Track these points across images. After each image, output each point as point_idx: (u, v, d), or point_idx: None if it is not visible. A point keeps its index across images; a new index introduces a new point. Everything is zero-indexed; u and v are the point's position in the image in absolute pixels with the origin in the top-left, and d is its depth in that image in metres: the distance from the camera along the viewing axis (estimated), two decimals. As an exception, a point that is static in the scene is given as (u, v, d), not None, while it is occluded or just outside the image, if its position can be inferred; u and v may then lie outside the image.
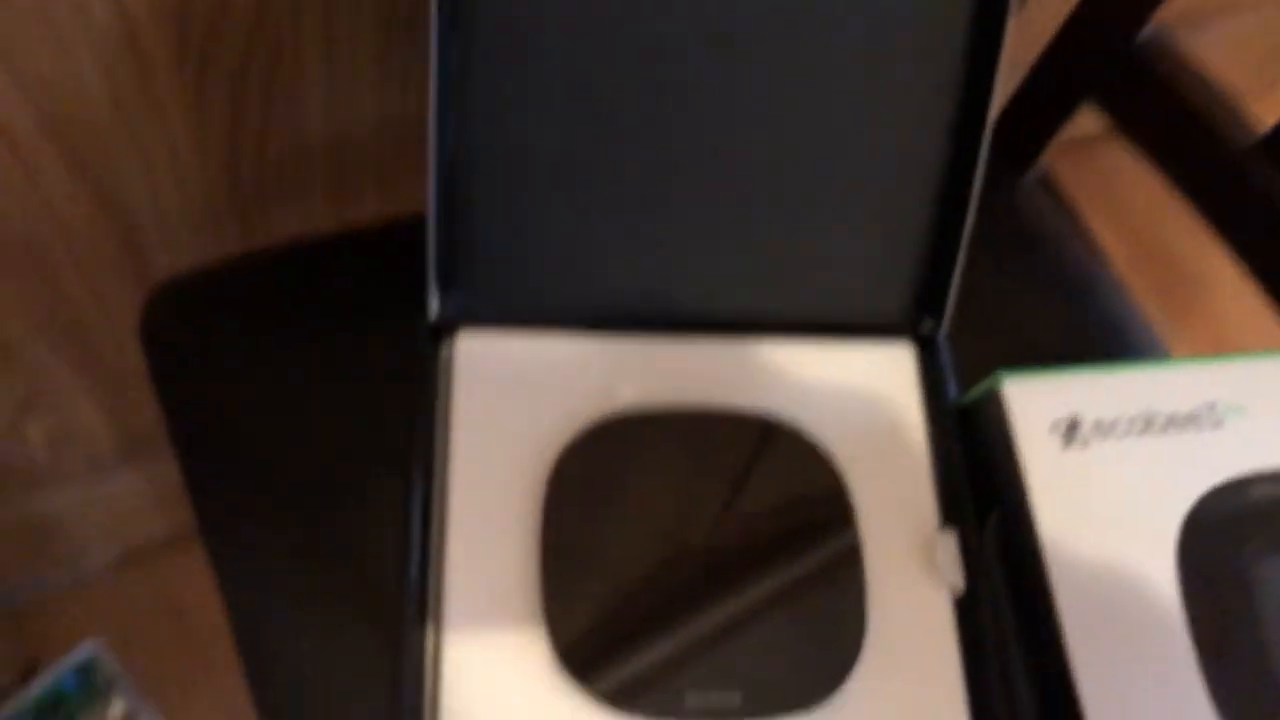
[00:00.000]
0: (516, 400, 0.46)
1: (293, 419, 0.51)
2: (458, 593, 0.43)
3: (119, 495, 0.86)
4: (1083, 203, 0.70)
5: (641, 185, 0.47)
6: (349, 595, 0.48)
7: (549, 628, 0.42)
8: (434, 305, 0.46)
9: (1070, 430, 0.44)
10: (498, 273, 0.47)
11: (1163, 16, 0.56)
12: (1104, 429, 0.45)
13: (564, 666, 0.42)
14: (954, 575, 0.44)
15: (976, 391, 0.47)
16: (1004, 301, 0.58)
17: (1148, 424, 0.45)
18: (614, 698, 0.41)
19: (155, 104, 0.53)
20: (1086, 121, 0.62)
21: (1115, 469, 0.44)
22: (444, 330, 0.47)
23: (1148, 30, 0.57)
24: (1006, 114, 0.65)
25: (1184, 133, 0.57)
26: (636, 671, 0.41)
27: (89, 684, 0.88)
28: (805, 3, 0.45)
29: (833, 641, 0.43)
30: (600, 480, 0.45)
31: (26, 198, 0.55)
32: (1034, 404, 0.45)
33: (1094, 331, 0.59)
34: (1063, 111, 0.63)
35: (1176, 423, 0.45)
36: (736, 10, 0.45)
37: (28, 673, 0.88)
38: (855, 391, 0.48)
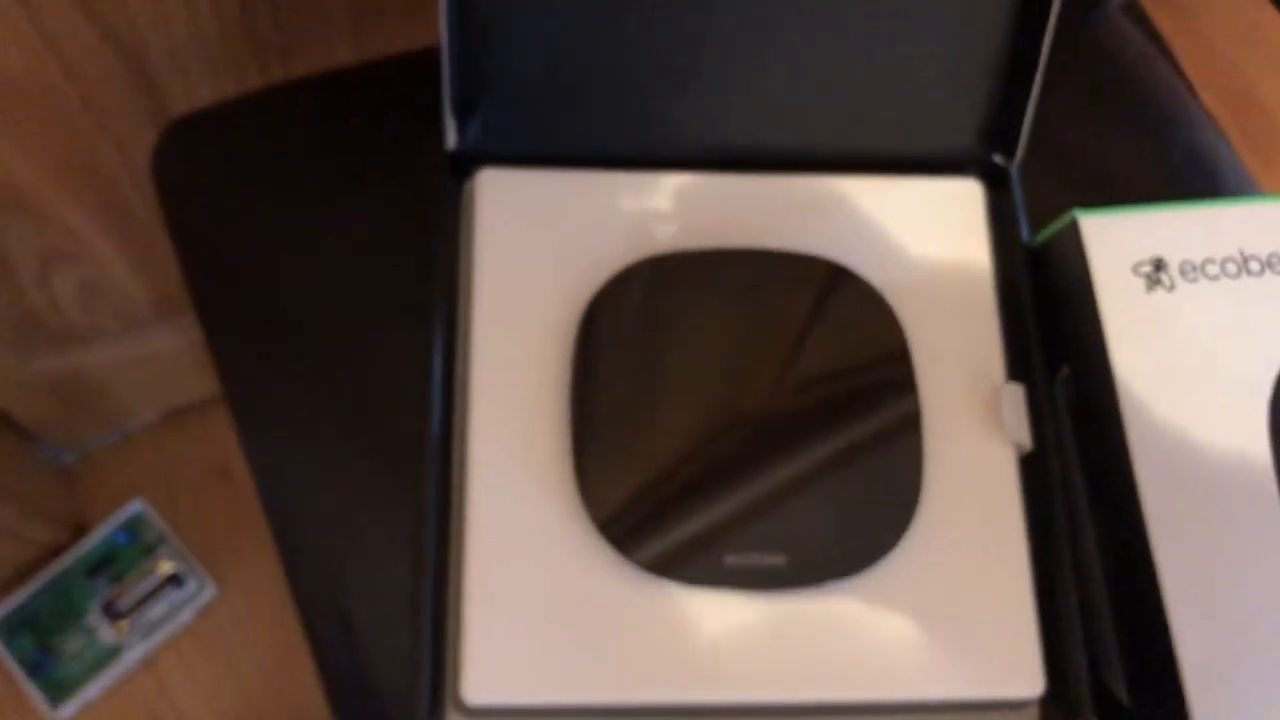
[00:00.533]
0: (545, 241, 0.43)
1: (311, 262, 0.49)
2: (482, 449, 0.41)
3: (159, 354, 0.86)
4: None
5: (684, 5, 0.42)
6: (373, 450, 0.47)
7: (579, 484, 0.39)
8: (451, 134, 0.42)
9: (1155, 271, 0.40)
10: (523, 102, 0.43)
11: None
12: (1193, 270, 0.40)
13: (595, 526, 0.39)
14: (1019, 432, 0.41)
15: (1050, 230, 0.42)
16: (1082, 136, 0.54)
17: (1242, 265, 0.41)
18: (646, 560, 0.39)
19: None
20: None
21: (1204, 315, 0.40)
22: (466, 168, 0.44)
23: None
24: (1089, -68, 0.59)
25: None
26: (672, 532, 0.39)
27: (137, 542, 0.89)
28: None
29: (886, 503, 0.40)
30: (636, 327, 0.41)
31: (27, 34, 0.52)
32: (1114, 242, 0.41)
33: (1181, 168, 0.54)
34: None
35: (1275, 264, 0.41)
36: None
37: (78, 531, 0.90)
38: (918, 231, 0.44)
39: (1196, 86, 0.61)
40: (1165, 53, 0.60)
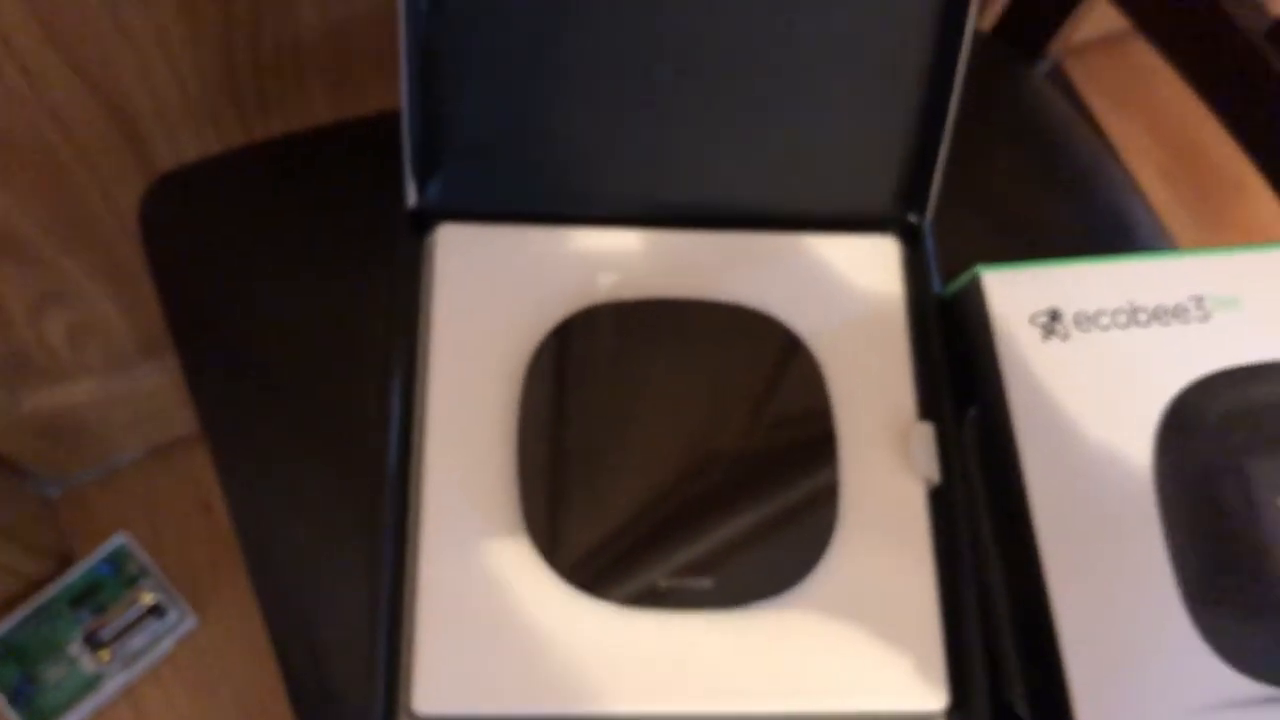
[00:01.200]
0: (498, 290, 0.46)
1: (286, 307, 0.52)
2: (436, 482, 0.44)
3: (144, 391, 0.88)
4: (1114, 103, 0.68)
5: (624, 78, 0.46)
6: (342, 484, 0.49)
7: (524, 514, 0.43)
8: (411, 194, 0.46)
9: (1050, 322, 0.44)
10: (478, 163, 0.47)
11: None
12: (1086, 321, 0.44)
13: (538, 551, 0.42)
14: (928, 467, 0.44)
15: (958, 283, 0.46)
16: (1005, 194, 0.57)
17: (1131, 316, 0.44)
18: (586, 582, 0.42)
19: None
20: (1115, 16, 0.59)
21: (1096, 362, 0.43)
22: (426, 223, 0.47)
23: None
24: (1015, 3, 0.63)
25: (1195, 19, 0.55)
26: (609, 557, 0.42)
27: (120, 574, 0.91)
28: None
29: (804, 529, 0.43)
30: (578, 370, 0.45)
31: (23, 91, 0.55)
32: (1014, 295, 0.44)
33: (1098, 225, 0.58)
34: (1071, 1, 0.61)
35: (1161, 316, 0.44)
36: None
37: (63, 563, 0.92)
38: (837, 283, 0.48)
39: (1143, 155, 0.64)
40: (1089, 116, 0.64)
